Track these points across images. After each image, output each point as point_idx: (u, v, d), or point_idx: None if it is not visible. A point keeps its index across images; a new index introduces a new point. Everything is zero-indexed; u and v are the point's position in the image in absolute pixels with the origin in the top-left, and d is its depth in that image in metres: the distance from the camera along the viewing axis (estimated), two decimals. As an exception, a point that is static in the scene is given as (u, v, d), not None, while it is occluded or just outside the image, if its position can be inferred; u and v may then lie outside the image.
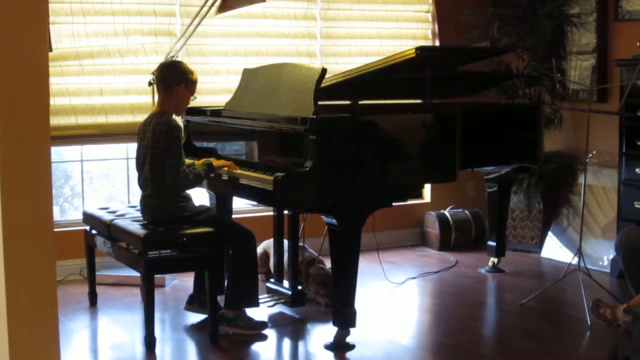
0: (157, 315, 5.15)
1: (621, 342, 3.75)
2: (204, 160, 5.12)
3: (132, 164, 5.82)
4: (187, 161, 5.03)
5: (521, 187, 7.16)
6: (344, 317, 4.81)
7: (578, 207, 6.76)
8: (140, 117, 6.11)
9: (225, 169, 5.06)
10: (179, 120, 5.35)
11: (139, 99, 6.35)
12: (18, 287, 3.09)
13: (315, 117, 4.69)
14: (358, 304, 4.86)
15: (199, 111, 5.67)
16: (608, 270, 6.44)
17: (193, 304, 5.35)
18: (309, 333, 5.20)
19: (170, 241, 4.85)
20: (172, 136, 4.82)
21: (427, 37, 7.63)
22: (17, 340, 3.10)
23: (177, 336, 5.08)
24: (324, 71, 4.90)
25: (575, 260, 5.64)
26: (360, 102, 6.06)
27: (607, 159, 6.77)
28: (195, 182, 4.95)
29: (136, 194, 5.72)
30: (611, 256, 6.42)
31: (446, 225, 7.36)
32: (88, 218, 5.51)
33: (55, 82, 6.04)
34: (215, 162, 5.07)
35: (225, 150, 5.60)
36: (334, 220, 4.71)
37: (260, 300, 5.16)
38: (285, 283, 5.53)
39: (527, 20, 7.01)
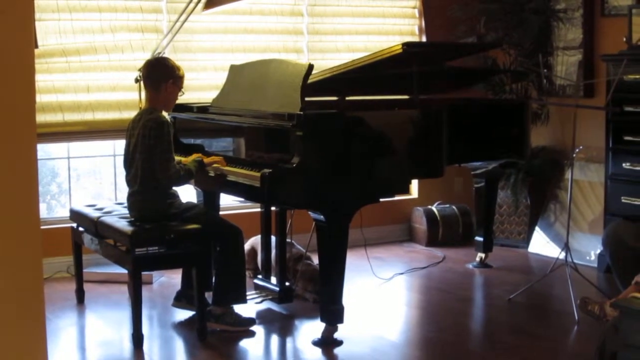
0: (145, 312, 5.13)
1: (608, 337, 3.76)
2: (194, 156, 5.12)
3: (119, 160, 5.82)
4: (175, 158, 5.02)
5: (508, 183, 7.17)
6: (332, 313, 4.81)
7: (565, 202, 6.78)
8: (127, 114, 6.11)
9: (216, 165, 5.05)
10: (167, 116, 5.33)
11: (125, 95, 6.33)
12: (4, 285, 3.08)
13: (302, 113, 4.68)
14: (346, 300, 4.87)
15: (186, 108, 5.66)
16: (595, 265, 6.46)
17: (181, 300, 5.35)
18: (296, 329, 5.20)
19: (158, 238, 4.85)
20: (162, 132, 4.82)
21: (413, 33, 7.64)
22: (4, 338, 3.09)
23: (165, 333, 5.08)
24: (310, 67, 4.90)
25: (562, 255, 5.65)
26: (347, 98, 6.07)
27: (594, 154, 6.79)
28: (186, 179, 4.95)
29: (123, 191, 5.70)
30: (598, 251, 6.43)
31: (434, 220, 7.37)
32: (75, 215, 5.50)
33: (41, 79, 6.02)
34: (206, 159, 5.06)
35: (213, 146, 5.59)
36: (321, 216, 4.71)
37: (248, 297, 5.16)
38: (273, 279, 5.53)
39: (513, 16, 7.03)
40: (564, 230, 6.23)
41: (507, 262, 6.75)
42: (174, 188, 5.03)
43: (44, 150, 6.46)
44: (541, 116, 7.13)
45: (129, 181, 5.03)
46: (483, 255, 6.61)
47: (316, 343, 4.82)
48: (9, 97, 3.06)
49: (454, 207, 7.53)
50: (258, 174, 4.60)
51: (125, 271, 4.97)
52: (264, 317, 5.29)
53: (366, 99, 6.27)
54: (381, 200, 4.95)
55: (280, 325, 5.24)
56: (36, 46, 5.77)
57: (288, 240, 5.56)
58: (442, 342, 4.96)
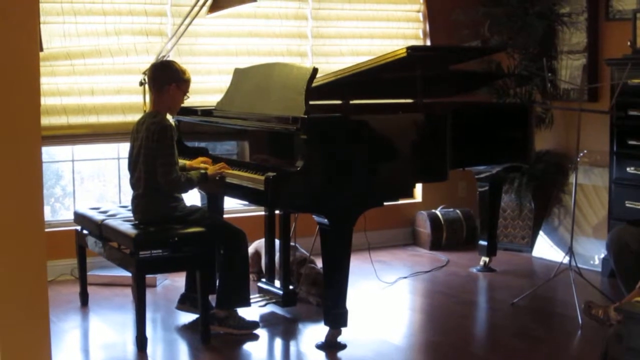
0: (149, 315, 5.14)
1: (610, 345, 3.76)
2: (199, 159, 5.14)
3: (124, 163, 5.82)
4: (180, 162, 5.02)
5: (512, 187, 7.17)
6: (336, 317, 4.81)
7: (569, 206, 6.77)
8: (132, 117, 6.12)
9: (219, 172, 5.05)
10: (171, 120, 5.33)
11: (130, 98, 6.34)
12: (9, 287, 3.09)
13: (306, 116, 4.69)
14: (349, 304, 4.87)
15: (190, 111, 5.66)
16: (599, 270, 6.45)
17: (184, 303, 5.35)
18: (300, 333, 5.20)
19: (162, 241, 4.85)
20: (165, 136, 4.81)
21: (418, 37, 7.64)
22: (8, 341, 3.09)
23: (169, 336, 5.08)
24: (315, 71, 4.90)
25: (566, 260, 5.65)
26: (351, 102, 6.07)
27: (597, 158, 6.78)
28: (186, 186, 4.94)
29: (127, 193, 5.71)
30: (602, 255, 6.43)
31: (437, 224, 7.37)
32: (79, 218, 5.50)
33: (46, 82, 6.03)
34: (210, 171, 5.04)
35: (217, 150, 5.59)
36: (325, 220, 4.71)
37: (251, 300, 5.16)
38: (277, 283, 5.53)
39: (518, 20, 7.02)
40: (568, 234, 6.23)
41: (510, 266, 6.75)
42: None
43: (48, 153, 6.47)
44: (545, 120, 7.12)
45: (133, 184, 5.03)
46: (487, 259, 6.60)
47: (320, 346, 4.82)
48: (13, 100, 3.07)
49: (457, 211, 7.53)
50: (262, 178, 4.60)
51: (129, 274, 4.97)
52: (268, 321, 5.29)
53: (370, 103, 6.27)
54: (385, 204, 4.95)
55: (284, 328, 5.25)
56: (41, 49, 5.77)
57: (292, 243, 5.56)
58: (445, 345, 4.96)
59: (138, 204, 5.00)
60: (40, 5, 5.78)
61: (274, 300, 5.47)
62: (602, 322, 5.01)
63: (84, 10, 6.17)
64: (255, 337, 5.00)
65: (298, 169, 4.58)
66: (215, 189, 5.29)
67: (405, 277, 6.40)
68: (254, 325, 5.08)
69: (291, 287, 5.47)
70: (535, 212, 7.18)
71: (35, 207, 3.16)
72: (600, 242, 6.49)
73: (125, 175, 5.24)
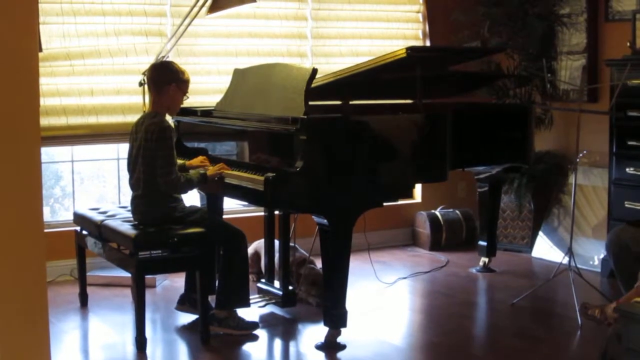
0: (148, 316, 5.14)
1: (610, 344, 3.76)
2: (200, 159, 5.15)
3: (123, 164, 5.81)
4: (179, 161, 5.02)
5: (512, 187, 7.17)
6: (335, 317, 4.81)
7: (569, 206, 6.77)
8: (131, 118, 6.11)
9: (220, 171, 5.05)
10: (170, 120, 5.33)
11: (129, 99, 6.34)
12: (8, 288, 3.09)
13: (305, 117, 4.69)
14: (349, 304, 4.87)
15: (190, 111, 5.66)
16: (599, 270, 6.45)
17: (184, 304, 5.35)
18: (300, 333, 5.20)
19: (161, 241, 4.85)
20: (164, 136, 4.81)
21: (417, 37, 7.64)
22: (8, 341, 3.09)
23: (168, 337, 5.08)
24: (314, 71, 4.90)
25: (565, 260, 5.65)
26: (351, 102, 6.07)
27: (597, 158, 6.78)
28: (186, 187, 4.93)
29: (127, 194, 5.70)
30: (602, 256, 6.43)
31: (437, 225, 7.37)
32: (79, 219, 5.50)
33: (45, 83, 6.03)
34: (209, 172, 5.04)
35: (216, 150, 5.59)
36: (325, 221, 4.71)
37: (251, 301, 5.16)
38: (276, 283, 5.53)
39: (517, 21, 7.02)
40: (567, 235, 6.23)
41: (510, 266, 6.75)
42: (176, 192, 5.03)
43: (47, 153, 6.47)
44: (545, 121, 7.12)
45: (132, 185, 5.03)
46: (486, 259, 6.60)
47: (319, 347, 4.82)
48: (13, 101, 3.07)
49: (457, 211, 7.53)
50: (261, 178, 4.60)
51: (129, 274, 4.97)
52: (267, 321, 5.29)
53: (370, 103, 6.27)
54: (385, 204, 4.95)
55: (284, 329, 5.25)
56: (40, 50, 5.78)
57: (291, 244, 5.56)
58: (445, 346, 4.96)
59: (137, 204, 5.00)
60: (40, 5, 5.77)
61: (273, 301, 5.46)
62: (599, 321, 5.01)
63: (84, 10, 6.17)
64: (254, 338, 5.00)
65: (297, 169, 4.58)
66: (214, 190, 5.28)
67: (404, 278, 6.40)
68: (254, 325, 5.08)
69: (291, 287, 5.46)
70: (535, 212, 7.18)
71: (34, 207, 3.16)
72: (599, 242, 6.49)
73: (125, 176, 5.24)
